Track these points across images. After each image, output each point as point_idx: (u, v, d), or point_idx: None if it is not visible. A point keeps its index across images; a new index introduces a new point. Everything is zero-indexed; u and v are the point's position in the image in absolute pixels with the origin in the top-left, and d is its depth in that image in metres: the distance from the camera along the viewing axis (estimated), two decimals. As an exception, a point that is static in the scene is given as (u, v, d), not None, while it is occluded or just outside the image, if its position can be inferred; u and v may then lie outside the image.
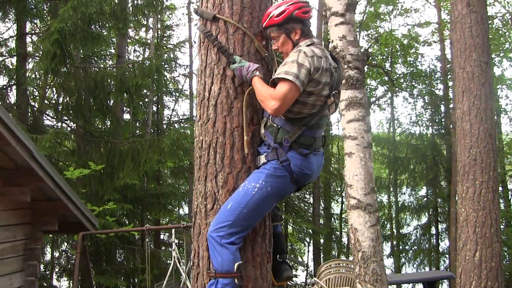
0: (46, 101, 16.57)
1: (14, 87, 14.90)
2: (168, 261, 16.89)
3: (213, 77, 3.45)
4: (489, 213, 7.38)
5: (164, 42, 22.57)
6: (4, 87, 14.79)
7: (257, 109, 3.43)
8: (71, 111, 14.28)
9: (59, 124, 16.64)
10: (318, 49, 3.28)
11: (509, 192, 22.53)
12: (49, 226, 8.35)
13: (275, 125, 3.28)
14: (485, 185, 7.45)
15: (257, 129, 3.42)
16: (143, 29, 21.91)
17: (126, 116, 19.33)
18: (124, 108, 17.86)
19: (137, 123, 20.47)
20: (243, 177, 3.33)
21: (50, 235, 15.32)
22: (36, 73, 12.39)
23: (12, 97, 14.90)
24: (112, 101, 14.51)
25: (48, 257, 18.78)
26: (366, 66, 21.58)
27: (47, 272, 18.04)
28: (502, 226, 21.28)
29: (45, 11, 15.12)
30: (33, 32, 16.29)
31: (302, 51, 3.19)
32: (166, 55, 19.31)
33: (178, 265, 8.09)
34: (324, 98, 3.28)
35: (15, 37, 15.18)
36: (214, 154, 3.38)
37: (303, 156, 3.28)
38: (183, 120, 22.11)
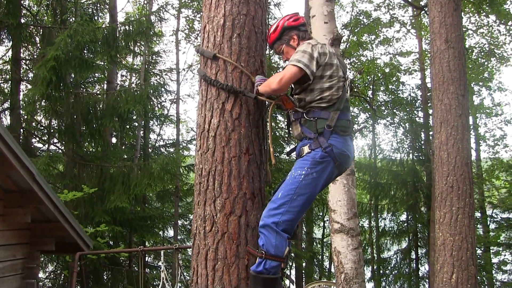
0: (38, 125, 16.85)
1: (7, 111, 15.25)
2: (154, 283, 17.11)
3: (213, 111, 3.71)
4: (465, 237, 7.68)
5: (151, 68, 22.93)
6: (-2, 111, 15.05)
7: (252, 141, 3.70)
8: (63, 135, 14.54)
9: (48, 147, 16.85)
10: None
11: (488, 218, 22.57)
12: (47, 246, 8.61)
13: (312, 119, 3.59)
14: (461, 211, 7.77)
15: (252, 158, 3.68)
16: (130, 54, 22.21)
17: (113, 140, 19.58)
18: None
19: (123, 147, 20.70)
20: (239, 202, 3.56)
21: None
22: (32, 97, 12.67)
23: (5, 120, 15.20)
24: (102, 126, 14.82)
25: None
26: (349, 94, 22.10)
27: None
28: (480, 251, 21.36)
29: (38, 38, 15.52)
30: (27, 58, 16.61)
31: (306, 42, 3.65)
32: (155, 81, 19.72)
33: (166, 285, 8.26)
34: (342, 79, 3.67)
35: (8, 62, 15.57)
36: (213, 181, 3.61)
37: (343, 139, 3.58)
38: (168, 145, 22.45)
